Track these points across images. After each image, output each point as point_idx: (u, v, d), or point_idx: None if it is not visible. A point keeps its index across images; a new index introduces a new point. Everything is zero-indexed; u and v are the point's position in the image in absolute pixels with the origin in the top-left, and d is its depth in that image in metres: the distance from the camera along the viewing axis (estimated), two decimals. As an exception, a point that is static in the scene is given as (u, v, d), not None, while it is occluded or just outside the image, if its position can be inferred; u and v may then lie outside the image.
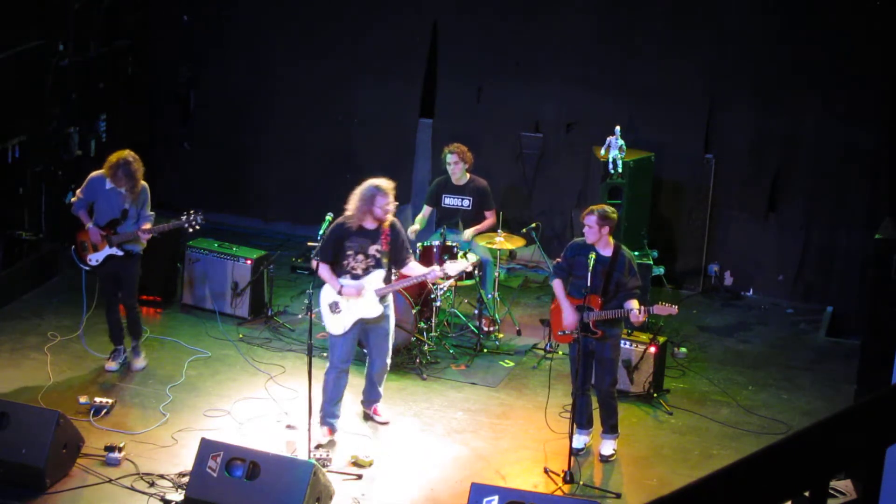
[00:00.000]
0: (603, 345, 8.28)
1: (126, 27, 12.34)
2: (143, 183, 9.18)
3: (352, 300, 8.36)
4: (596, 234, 8.16)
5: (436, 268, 8.62)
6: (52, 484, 7.74)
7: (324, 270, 8.43)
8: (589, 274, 8.10)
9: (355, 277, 8.38)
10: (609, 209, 8.28)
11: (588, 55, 11.65)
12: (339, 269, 8.41)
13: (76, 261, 9.34)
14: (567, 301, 8.28)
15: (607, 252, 8.22)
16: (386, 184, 8.38)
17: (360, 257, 8.37)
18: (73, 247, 9.35)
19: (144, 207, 9.19)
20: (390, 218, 8.42)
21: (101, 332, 9.91)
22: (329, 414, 8.57)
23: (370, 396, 8.86)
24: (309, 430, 8.08)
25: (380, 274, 8.39)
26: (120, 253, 9.19)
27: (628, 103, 11.47)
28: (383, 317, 8.51)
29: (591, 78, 11.64)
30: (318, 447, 8.27)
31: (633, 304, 8.09)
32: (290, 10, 12.41)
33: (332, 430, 8.58)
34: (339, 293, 8.35)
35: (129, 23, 12.37)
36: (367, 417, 8.92)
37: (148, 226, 9.10)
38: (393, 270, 8.65)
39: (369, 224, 8.36)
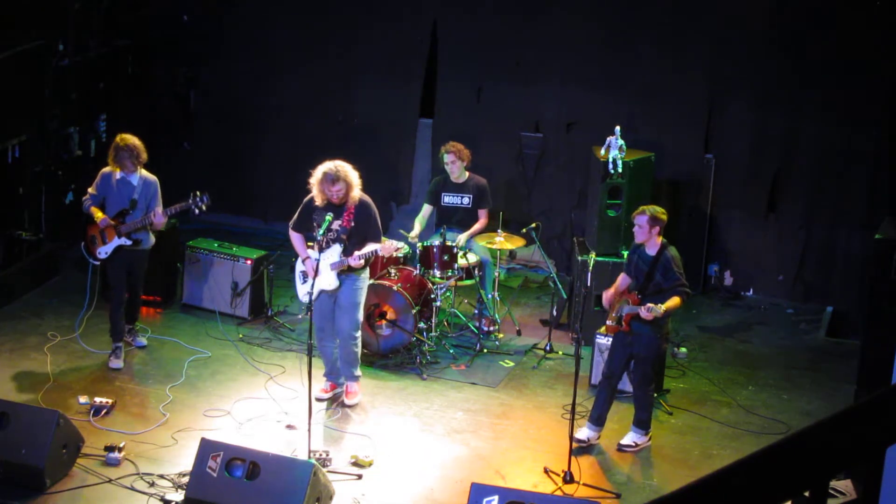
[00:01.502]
0: (637, 342, 8.42)
1: (126, 27, 12.35)
2: (154, 178, 9.43)
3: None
4: (646, 234, 8.30)
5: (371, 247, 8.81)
6: (52, 484, 7.73)
7: (294, 238, 8.95)
8: (589, 274, 8.17)
9: (321, 249, 8.73)
10: (659, 210, 8.39)
11: (588, 55, 11.65)
12: (309, 240, 8.85)
13: (86, 255, 9.46)
14: (616, 289, 8.55)
15: (652, 251, 8.35)
16: (335, 170, 8.60)
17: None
18: (83, 242, 9.48)
19: (154, 201, 9.37)
20: (354, 197, 8.66)
21: (101, 332, 9.92)
22: (329, 373, 9.16)
23: (344, 375, 9.06)
24: (309, 430, 8.08)
25: (336, 249, 8.71)
26: (128, 242, 9.30)
27: (628, 103, 11.47)
28: (343, 290, 8.78)
29: (591, 78, 11.65)
30: (318, 400, 8.91)
31: (669, 301, 8.19)
32: (290, 9, 12.41)
33: (335, 385, 9.18)
34: (303, 262, 8.71)
35: (129, 23, 12.37)
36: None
37: (159, 210, 9.30)
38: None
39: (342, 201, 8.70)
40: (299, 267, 8.97)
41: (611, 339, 8.70)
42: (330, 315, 8.91)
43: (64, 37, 11.44)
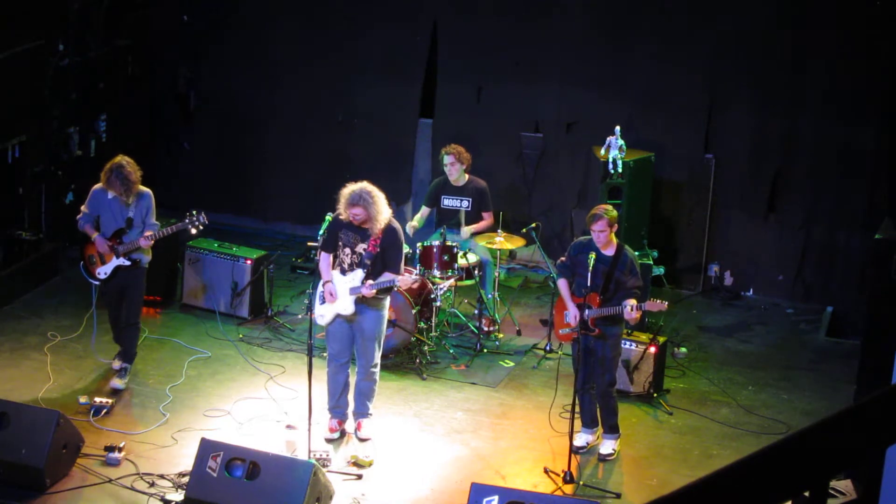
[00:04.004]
0: (603, 343, 8.31)
1: (126, 27, 12.34)
2: (147, 190, 9.09)
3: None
4: (606, 237, 8.20)
5: (395, 277, 8.43)
6: (52, 484, 7.73)
7: (322, 261, 8.58)
8: (589, 273, 8.13)
9: (343, 271, 8.45)
10: (611, 209, 8.30)
11: (588, 55, 11.66)
12: (335, 260, 8.55)
13: (85, 276, 9.19)
14: (570, 299, 8.33)
15: (609, 251, 8.25)
16: (357, 193, 8.25)
17: (348, 251, 8.46)
18: (82, 262, 9.21)
19: (149, 215, 9.06)
20: (380, 224, 8.32)
21: (102, 332, 9.91)
22: (334, 407, 8.68)
23: (356, 409, 8.71)
24: (309, 430, 8.08)
25: (358, 274, 8.35)
26: (127, 263, 9.04)
27: (628, 103, 11.47)
28: (366, 320, 8.44)
29: (591, 78, 11.65)
30: (328, 441, 8.54)
31: (630, 301, 8.11)
32: (290, 9, 12.41)
33: (342, 422, 8.72)
34: (323, 285, 8.48)
35: (129, 23, 12.37)
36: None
37: (150, 233, 8.96)
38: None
39: (365, 224, 8.37)
40: (320, 288, 8.58)
41: (574, 347, 8.42)
42: (347, 342, 8.52)
43: (64, 37, 11.44)
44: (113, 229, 9.04)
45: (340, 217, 8.43)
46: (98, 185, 9.08)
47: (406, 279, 8.45)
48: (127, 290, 9.17)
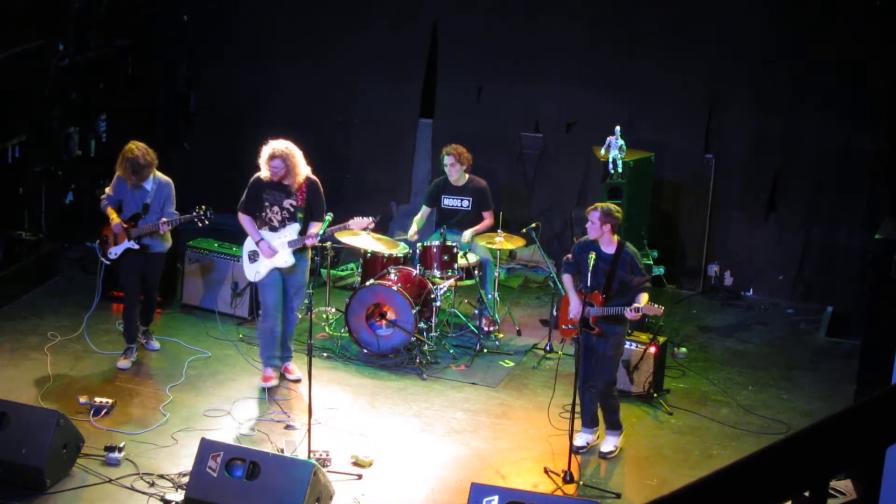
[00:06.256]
0: (604, 342, 8.31)
1: (126, 27, 12.34)
2: (168, 179, 9.45)
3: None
4: (597, 230, 8.20)
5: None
6: (52, 484, 7.73)
7: (244, 221, 9.13)
8: (590, 273, 8.13)
9: (273, 229, 8.97)
10: (613, 207, 8.31)
11: (588, 55, 11.66)
12: (258, 221, 9.03)
13: (99, 255, 9.52)
14: (574, 293, 8.34)
15: (610, 250, 8.24)
16: (275, 148, 8.84)
17: (276, 209, 8.98)
18: (98, 241, 9.53)
19: (168, 204, 9.37)
20: (300, 177, 8.87)
21: (102, 332, 9.93)
22: (269, 357, 9.27)
23: (283, 354, 9.28)
24: (309, 430, 8.09)
25: (294, 227, 8.95)
26: (136, 246, 9.31)
27: (628, 103, 11.47)
28: (299, 269, 9.02)
29: (591, 78, 11.65)
30: (267, 391, 9.11)
31: (643, 298, 8.12)
32: (290, 9, 12.41)
33: (276, 369, 9.31)
34: (257, 244, 8.98)
35: (129, 23, 12.37)
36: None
37: (166, 220, 9.26)
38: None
39: (285, 180, 8.91)
40: (248, 247, 9.15)
41: (574, 345, 8.47)
42: (281, 293, 9.09)
43: (64, 37, 11.44)
44: (131, 213, 9.38)
45: (262, 178, 8.95)
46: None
47: (360, 221, 8.98)
48: (146, 277, 9.53)
